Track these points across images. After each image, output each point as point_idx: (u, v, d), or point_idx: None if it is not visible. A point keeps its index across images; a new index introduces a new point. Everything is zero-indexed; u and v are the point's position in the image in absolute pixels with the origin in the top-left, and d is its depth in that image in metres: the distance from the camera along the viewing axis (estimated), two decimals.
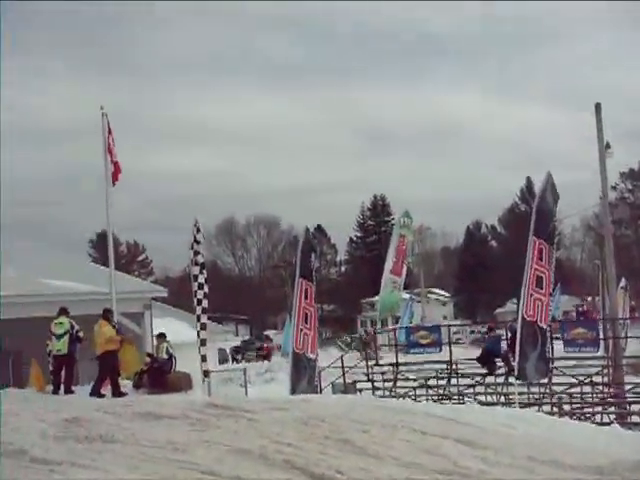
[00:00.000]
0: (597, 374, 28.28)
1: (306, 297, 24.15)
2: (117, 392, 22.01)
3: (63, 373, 23.18)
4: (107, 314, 23.78)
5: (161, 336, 24.98)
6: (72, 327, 23.27)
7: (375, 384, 29.52)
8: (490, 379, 28.48)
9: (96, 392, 21.93)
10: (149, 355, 25.17)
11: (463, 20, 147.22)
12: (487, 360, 28.63)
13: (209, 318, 27.20)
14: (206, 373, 25.63)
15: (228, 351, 57.93)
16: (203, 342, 25.89)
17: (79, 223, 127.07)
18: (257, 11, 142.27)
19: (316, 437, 12.78)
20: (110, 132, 26.44)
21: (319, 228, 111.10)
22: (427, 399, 27.68)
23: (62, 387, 23.05)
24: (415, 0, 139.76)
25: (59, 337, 23.21)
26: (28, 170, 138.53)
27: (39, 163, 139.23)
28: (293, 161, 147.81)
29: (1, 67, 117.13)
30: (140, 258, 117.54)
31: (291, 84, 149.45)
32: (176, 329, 30.25)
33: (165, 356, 24.17)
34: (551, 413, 23.04)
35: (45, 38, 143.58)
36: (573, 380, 27.40)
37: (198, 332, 25.88)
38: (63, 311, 23.81)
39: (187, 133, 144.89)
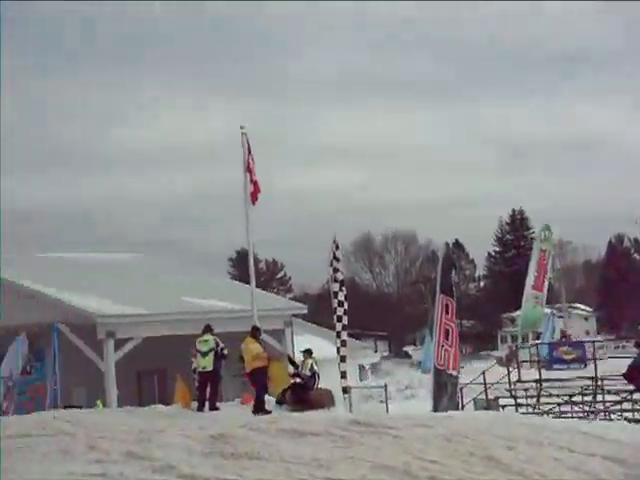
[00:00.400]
0: None
1: (447, 312, 24.02)
2: (261, 409, 22.15)
3: (208, 390, 23.48)
4: (254, 331, 23.99)
5: (307, 352, 25.08)
6: (217, 344, 23.55)
7: (518, 400, 29.11)
8: (638, 395, 27.77)
9: (261, 410, 22.02)
10: (292, 362, 25.29)
11: (604, 32, 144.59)
12: (634, 376, 27.90)
13: (348, 334, 27.27)
14: (345, 390, 25.69)
15: (367, 367, 57.96)
16: (343, 359, 26.00)
17: (219, 241, 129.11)
18: (385, 28, 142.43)
19: (460, 454, 12.68)
20: (250, 151, 26.74)
21: (457, 243, 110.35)
22: (572, 416, 27.17)
23: (207, 404, 23.35)
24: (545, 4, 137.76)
25: (204, 354, 23.52)
26: (172, 189, 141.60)
27: (182, 182, 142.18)
28: (428, 177, 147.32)
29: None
30: (279, 275, 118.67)
31: (424, 100, 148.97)
32: (317, 346, 30.37)
33: (308, 373, 24.25)
34: None
35: (188, 57, 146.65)
36: None
37: (338, 349, 25.99)
38: (208, 329, 24.14)
39: (323, 151, 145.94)
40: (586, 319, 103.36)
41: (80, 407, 24.50)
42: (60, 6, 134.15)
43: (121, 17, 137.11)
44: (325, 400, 24.07)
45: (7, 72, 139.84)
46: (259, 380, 22.82)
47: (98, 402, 26.24)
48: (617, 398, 28.35)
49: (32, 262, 33.62)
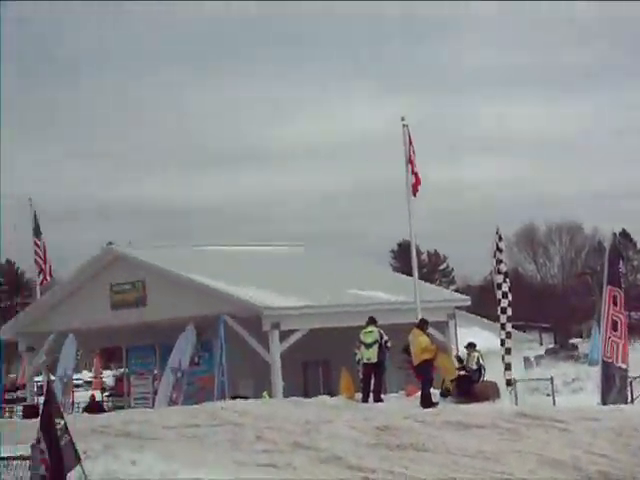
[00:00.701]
0: None
1: (615, 304, 23.46)
2: (428, 402, 22.06)
3: (372, 381, 23.57)
4: (422, 324, 23.99)
5: (471, 346, 24.90)
6: (381, 336, 23.62)
7: None
8: None
9: (428, 402, 21.97)
10: (458, 359, 25.19)
11: None
12: None
13: (513, 326, 26.97)
14: (509, 382, 25.40)
15: (532, 360, 57.12)
16: (508, 351, 25.73)
17: (380, 233, 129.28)
18: (546, 16, 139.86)
19: (631, 448, 12.42)
20: (411, 143, 26.75)
21: (624, 233, 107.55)
22: None
23: (371, 395, 23.43)
24: None
25: (368, 346, 23.61)
26: (333, 181, 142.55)
27: (344, 174, 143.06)
28: (593, 166, 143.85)
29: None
30: (441, 267, 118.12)
31: (593, 87, 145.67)
32: (480, 338, 30.09)
33: (474, 366, 24.09)
34: None
35: (349, 52, 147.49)
36: None
37: (503, 341, 25.75)
38: (372, 320, 24.24)
39: (485, 140, 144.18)
40: None
41: (247, 398, 24.95)
42: (228, 6, 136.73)
43: (287, 16, 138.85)
44: (490, 392, 23.84)
45: (173, 72, 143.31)
46: (426, 373, 22.76)
47: (264, 393, 26.64)
48: None
49: (198, 255, 34.36)
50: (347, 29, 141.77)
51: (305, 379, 31.77)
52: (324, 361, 31.29)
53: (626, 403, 23.47)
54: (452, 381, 23.83)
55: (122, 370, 40.61)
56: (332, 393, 25.67)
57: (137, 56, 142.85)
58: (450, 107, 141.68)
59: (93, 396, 39.03)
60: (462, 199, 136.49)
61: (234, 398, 25.07)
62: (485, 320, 44.40)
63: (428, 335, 23.80)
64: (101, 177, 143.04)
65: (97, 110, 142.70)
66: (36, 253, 35.77)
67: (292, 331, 28.51)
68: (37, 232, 35.91)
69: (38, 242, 35.80)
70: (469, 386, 23.65)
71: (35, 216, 35.93)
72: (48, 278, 35.96)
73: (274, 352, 28.07)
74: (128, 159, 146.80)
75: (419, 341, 22.98)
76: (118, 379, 47.74)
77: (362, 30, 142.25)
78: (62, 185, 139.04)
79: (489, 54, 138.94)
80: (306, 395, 26.40)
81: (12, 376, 55.38)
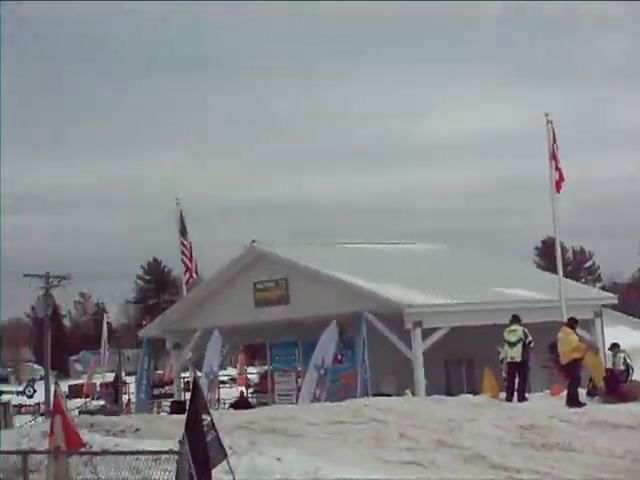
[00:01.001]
0: None
1: None
2: (574, 402, 21.69)
3: (516, 380, 23.32)
4: (572, 322, 23.65)
5: (615, 346, 24.41)
6: (525, 335, 23.33)
7: None
8: None
9: (574, 402, 21.64)
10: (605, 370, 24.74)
11: None
12: None
13: None
14: None
15: None
16: None
17: (524, 230, 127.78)
18: None
19: None
20: (555, 139, 26.39)
21: None
22: None
23: (515, 394, 23.18)
24: None
25: (512, 345, 23.35)
26: (474, 179, 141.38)
27: (485, 171, 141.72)
28: None
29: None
30: (587, 264, 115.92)
31: None
32: (628, 337, 29.44)
33: (622, 367, 23.59)
34: None
35: (489, 49, 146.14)
36: None
37: None
38: (516, 319, 23.97)
39: (630, 137, 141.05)
40: None
41: (390, 395, 24.94)
42: (372, 6, 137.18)
43: (431, 16, 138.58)
44: (638, 392, 23.28)
45: (296, 71, 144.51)
46: (574, 372, 22.38)
47: (407, 391, 26.60)
48: None
49: (340, 253, 34.48)
50: (490, 29, 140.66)
51: (447, 377, 31.59)
52: (467, 359, 31.05)
53: None
54: (603, 379, 23.37)
55: (266, 367, 41.08)
56: (475, 392, 25.47)
57: (275, 56, 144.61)
58: (595, 102, 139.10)
59: (242, 392, 39.69)
60: (609, 195, 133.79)
61: (377, 395, 25.11)
62: (633, 319, 43.41)
63: (577, 334, 23.40)
64: (246, 177, 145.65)
65: (240, 110, 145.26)
66: (182, 252, 36.42)
67: (434, 329, 28.39)
68: (183, 231, 36.60)
69: (185, 241, 36.45)
70: (616, 386, 23.16)
71: (181, 216, 36.63)
72: (194, 276, 36.56)
73: (416, 350, 28.00)
74: (273, 158, 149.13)
75: (570, 340, 22.59)
76: (262, 376, 48.38)
77: (505, 29, 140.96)
78: (208, 185, 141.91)
79: (635, 47, 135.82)
80: (448, 393, 26.23)
81: (160, 372, 56.73)
